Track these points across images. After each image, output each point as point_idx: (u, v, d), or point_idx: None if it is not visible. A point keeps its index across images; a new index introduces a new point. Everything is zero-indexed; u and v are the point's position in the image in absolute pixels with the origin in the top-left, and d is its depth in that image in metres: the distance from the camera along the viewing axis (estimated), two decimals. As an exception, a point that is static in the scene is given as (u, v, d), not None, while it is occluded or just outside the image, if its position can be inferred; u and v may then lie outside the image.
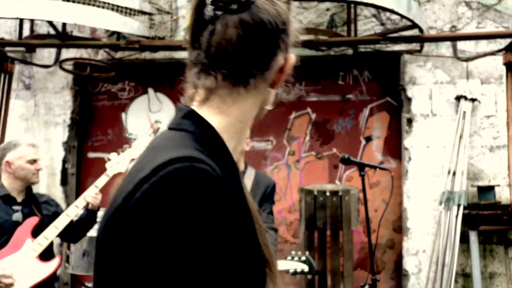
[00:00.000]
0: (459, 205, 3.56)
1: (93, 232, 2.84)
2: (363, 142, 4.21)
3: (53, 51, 4.27)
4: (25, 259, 2.40)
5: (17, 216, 2.47)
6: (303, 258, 2.47)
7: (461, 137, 3.72)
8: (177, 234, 0.56)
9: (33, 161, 2.54)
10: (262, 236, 0.74)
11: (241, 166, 2.52)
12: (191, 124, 0.70)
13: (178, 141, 0.68)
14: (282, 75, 0.76)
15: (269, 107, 0.80)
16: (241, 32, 0.69)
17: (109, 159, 2.81)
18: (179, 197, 0.58)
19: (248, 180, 2.50)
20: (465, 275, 3.74)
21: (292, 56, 0.76)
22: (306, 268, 2.44)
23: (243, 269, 0.64)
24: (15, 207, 2.49)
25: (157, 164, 0.61)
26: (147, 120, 4.48)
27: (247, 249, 0.66)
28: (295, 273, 2.45)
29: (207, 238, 0.57)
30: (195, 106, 0.74)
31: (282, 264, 2.38)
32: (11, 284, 2.30)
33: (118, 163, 2.76)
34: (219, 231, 0.59)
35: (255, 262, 0.69)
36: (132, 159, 2.87)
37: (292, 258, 2.46)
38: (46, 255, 2.48)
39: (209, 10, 0.71)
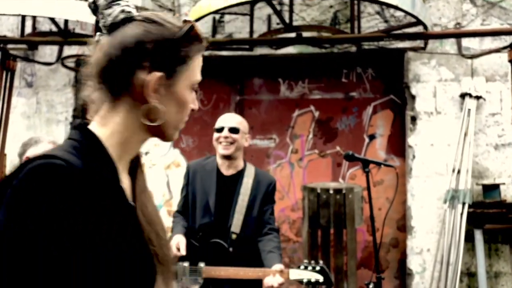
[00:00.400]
0: (464, 204, 3.53)
1: None
2: (367, 140, 4.18)
3: (55, 48, 4.26)
4: None
5: None
6: (318, 267, 2.27)
7: (465, 135, 3.68)
8: (15, 214, 0.68)
9: None
10: (151, 232, 0.85)
11: (240, 165, 2.49)
12: (76, 133, 0.83)
13: (59, 146, 0.82)
14: (147, 91, 0.82)
15: (149, 122, 0.85)
16: (106, 51, 0.81)
17: None
18: (25, 184, 0.69)
19: (248, 179, 2.45)
20: (470, 274, 3.70)
21: (157, 75, 0.82)
22: (321, 278, 2.25)
23: (81, 258, 0.71)
24: None
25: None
26: (149, 118, 4.46)
27: (102, 241, 0.74)
28: (309, 283, 2.26)
29: (36, 221, 0.67)
30: (91, 118, 0.86)
31: (294, 274, 2.26)
32: None
33: None
34: (50, 216, 0.68)
35: (121, 256, 0.77)
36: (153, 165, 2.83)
37: (306, 268, 2.27)
38: None
39: (98, 33, 0.85)
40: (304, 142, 4.26)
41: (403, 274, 3.98)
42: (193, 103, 0.89)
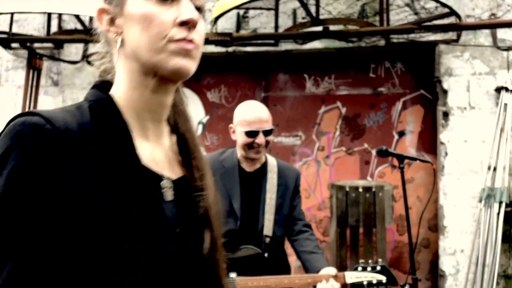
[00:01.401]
0: (500, 203, 3.37)
1: None
2: (396, 137, 4.04)
3: (80, 47, 4.27)
4: None
5: None
6: (378, 267, 2.04)
7: (502, 130, 3.52)
8: None
9: None
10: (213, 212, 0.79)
11: (263, 158, 2.23)
12: (90, 92, 0.77)
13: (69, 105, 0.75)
14: (102, 28, 0.78)
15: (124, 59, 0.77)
16: None
17: None
18: (6, 132, 0.66)
19: (272, 174, 2.21)
20: (506, 277, 3.53)
21: (99, 8, 0.78)
22: (383, 278, 2.02)
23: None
24: None
25: None
26: (173, 115, 4.44)
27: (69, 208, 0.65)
28: (370, 285, 2.03)
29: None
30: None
31: (351, 277, 2.02)
32: None
33: None
34: (12, 179, 0.63)
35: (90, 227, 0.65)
36: None
37: (364, 269, 2.04)
38: None
39: None
40: (331, 139, 4.15)
41: (435, 276, 3.84)
42: (175, 12, 0.72)
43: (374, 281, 2.02)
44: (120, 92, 0.76)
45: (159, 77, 0.74)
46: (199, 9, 0.75)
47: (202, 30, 0.74)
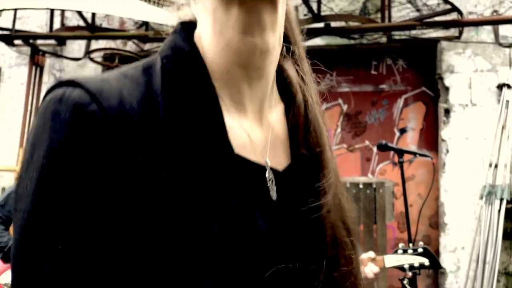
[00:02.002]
0: (501, 200, 3.36)
1: None
2: (397, 134, 4.04)
3: (82, 44, 4.29)
4: None
5: None
6: (420, 249, 1.93)
7: (503, 127, 3.51)
8: (29, 142, 0.48)
9: None
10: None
11: None
12: (166, 42, 0.57)
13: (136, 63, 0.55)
14: None
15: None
16: None
17: None
18: (37, 116, 0.48)
19: None
20: (507, 274, 3.53)
21: None
22: (426, 261, 1.91)
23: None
24: None
25: None
26: (175, 112, 4.45)
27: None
28: (412, 268, 1.92)
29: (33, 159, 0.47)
30: None
31: (391, 260, 1.92)
32: None
33: None
34: (46, 159, 0.46)
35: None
36: None
37: (405, 251, 1.93)
38: None
39: None
40: (332, 136, 4.15)
41: (436, 273, 3.83)
42: None
43: (416, 264, 1.91)
44: (205, 43, 0.54)
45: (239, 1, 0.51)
46: None
47: None
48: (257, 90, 0.56)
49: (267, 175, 0.54)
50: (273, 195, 0.53)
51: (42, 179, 0.46)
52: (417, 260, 1.92)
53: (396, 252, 1.95)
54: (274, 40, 0.54)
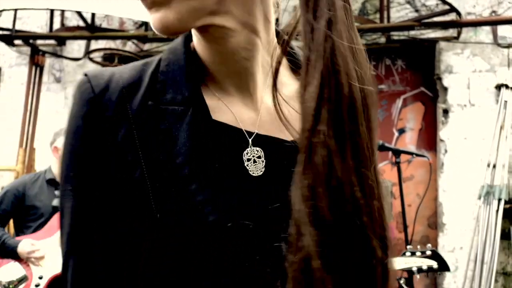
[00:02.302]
0: (499, 200, 3.37)
1: None
2: (396, 134, 4.05)
3: (82, 44, 4.31)
4: (55, 247, 2.39)
5: (57, 202, 2.48)
6: (428, 251, 1.92)
7: (501, 128, 3.52)
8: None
9: None
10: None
11: None
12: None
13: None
14: None
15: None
16: None
17: None
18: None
19: None
20: (505, 274, 3.54)
21: None
22: (434, 264, 1.90)
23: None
24: (58, 192, 2.50)
25: None
26: (174, 112, 4.46)
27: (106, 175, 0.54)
28: (420, 271, 1.90)
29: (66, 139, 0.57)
30: None
31: (400, 263, 1.90)
32: (41, 258, 2.31)
33: None
34: (69, 132, 0.57)
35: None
36: None
37: (413, 254, 1.92)
38: None
39: None
40: (331, 136, 4.16)
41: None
42: None
43: (424, 267, 1.88)
44: (195, 45, 0.60)
45: None
46: None
47: None
48: (246, 77, 0.58)
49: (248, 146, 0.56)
50: (254, 167, 0.55)
51: (66, 155, 0.56)
52: (426, 263, 1.91)
53: (404, 254, 1.94)
54: (231, 24, 0.53)
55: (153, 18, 0.51)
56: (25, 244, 2.33)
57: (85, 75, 0.57)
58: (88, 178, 0.54)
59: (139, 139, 0.54)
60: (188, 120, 0.53)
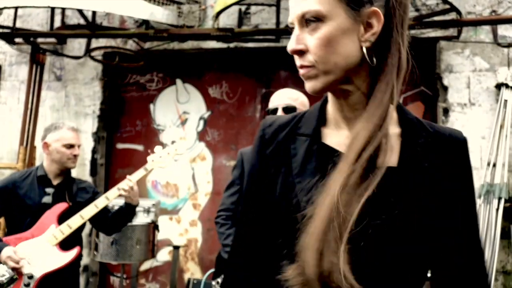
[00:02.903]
0: (499, 199, 3.37)
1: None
2: (396, 133, 4.05)
3: (83, 42, 4.31)
4: (45, 245, 2.35)
5: (47, 199, 2.45)
6: None
7: (501, 127, 3.52)
8: None
9: (70, 146, 2.48)
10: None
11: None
12: None
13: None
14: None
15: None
16: None
17: (152, 152, 2.66)
18: None
19: None
20: (505, 273, 3.54)
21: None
22: None
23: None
24: (48, 190, 2.46)
25: None
26: (175, 111, 4.46)
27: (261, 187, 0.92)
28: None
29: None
30: None
31: None
32: (19, 267, 2.24)
33: (161, 157, 2.61)
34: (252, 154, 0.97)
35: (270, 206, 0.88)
36: (178, 154, 2.69)
37: None
38: (71, 243, 2.41)
39: None
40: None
41: (434, 272, 3.85)
42: None
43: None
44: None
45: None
46: (303, 16, 0.80)
47: (312, 43, 0.79)
48: (351, 120, 0.87)
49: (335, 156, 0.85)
50: None
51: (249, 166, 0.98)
52: None
53: None
54: (351, 88, 0.85)
55: (307, 85, 0.83)
56: (7, 251, 2.24)
57: (266, 119, 0.97)
58: (257, 179, 0.93)
59: (278, 153, 0.90)
60: (307, 144, 0.87)
